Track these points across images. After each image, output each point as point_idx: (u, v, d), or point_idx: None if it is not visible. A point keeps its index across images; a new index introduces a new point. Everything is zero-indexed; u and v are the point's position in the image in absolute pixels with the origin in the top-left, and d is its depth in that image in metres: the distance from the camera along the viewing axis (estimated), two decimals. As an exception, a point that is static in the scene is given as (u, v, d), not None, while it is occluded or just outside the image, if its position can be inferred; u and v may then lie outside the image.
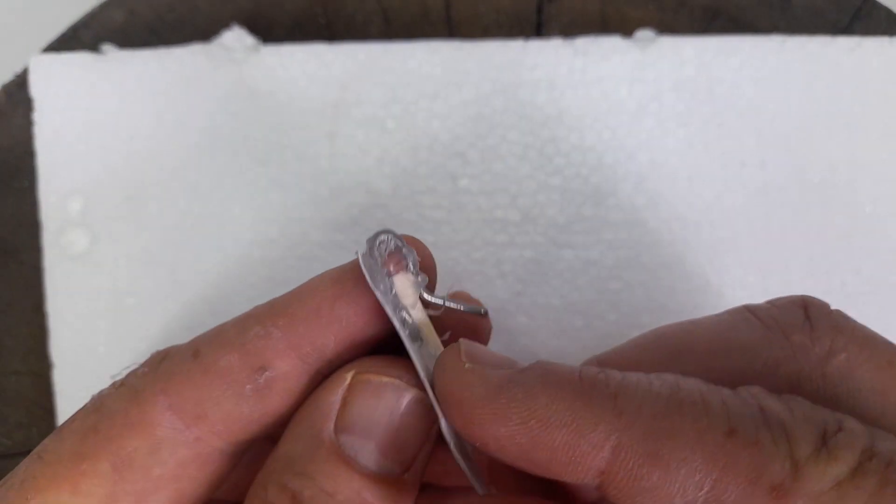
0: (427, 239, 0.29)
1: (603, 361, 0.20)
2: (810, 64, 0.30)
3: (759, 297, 0.29)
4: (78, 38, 0.31)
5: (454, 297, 0.21)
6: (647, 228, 0.30)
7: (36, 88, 0.30)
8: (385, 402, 0.18)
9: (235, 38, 0.30)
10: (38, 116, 0.30)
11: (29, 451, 0.30)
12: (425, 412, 0.18)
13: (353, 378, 0.18)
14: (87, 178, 0.30)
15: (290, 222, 0.30)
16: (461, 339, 0.18)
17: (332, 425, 0.18)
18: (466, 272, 0.30)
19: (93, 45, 0.31)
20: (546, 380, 0.16)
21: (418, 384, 0.18)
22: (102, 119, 0.30)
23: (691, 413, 0.15)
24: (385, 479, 0.18)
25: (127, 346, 0.30)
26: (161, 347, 0.30)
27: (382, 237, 0.19)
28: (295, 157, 0.30)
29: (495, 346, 0.29)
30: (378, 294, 0.18)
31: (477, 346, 0.18)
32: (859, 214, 0.30)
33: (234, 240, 0.30)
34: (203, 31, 0.31)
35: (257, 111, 0.30)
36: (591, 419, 0.15)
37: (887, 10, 0.31)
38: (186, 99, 0.30)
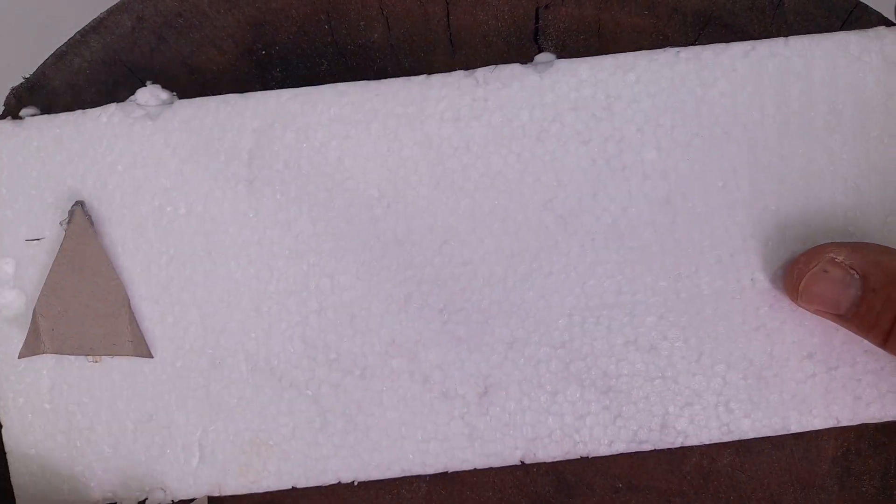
0: (348, 267, 0.31)
1: None
2: (705, 72, 0.31)
3: (671, 302, 0.30)
4: (87, 44, 0.32)
5: None
6: (556, 244, 0.31)
7: None
8: None
9: (150, 94, 0.31)
10: (-38, 185, 0.31)
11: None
12: None
13: None
14: (16, 241, 0.31)
15: (215, 266, 0.31)
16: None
17: None
18: (387, 297, 0.31)
19: (102, 51, 0.32)
20: None
21: None
22: (25, 184, 0.31)
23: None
24: None
25: (72, 401, 0.31)
26: (105, 402, 0.31)
27: None
28: (216, 203, 0.31)
29: (431, 354, 0.30)
30: None
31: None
32: (764, 213, 0.31)
33: (163, 288, 0.31)
34: (210, 37, 0.32)
35: (175, 163, 0.31)
36: None
37: (879, 15, 0.32)
38: (106, 158, 0.31)
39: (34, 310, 0.30)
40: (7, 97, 0.32)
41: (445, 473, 0.32)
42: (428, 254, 0.31)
